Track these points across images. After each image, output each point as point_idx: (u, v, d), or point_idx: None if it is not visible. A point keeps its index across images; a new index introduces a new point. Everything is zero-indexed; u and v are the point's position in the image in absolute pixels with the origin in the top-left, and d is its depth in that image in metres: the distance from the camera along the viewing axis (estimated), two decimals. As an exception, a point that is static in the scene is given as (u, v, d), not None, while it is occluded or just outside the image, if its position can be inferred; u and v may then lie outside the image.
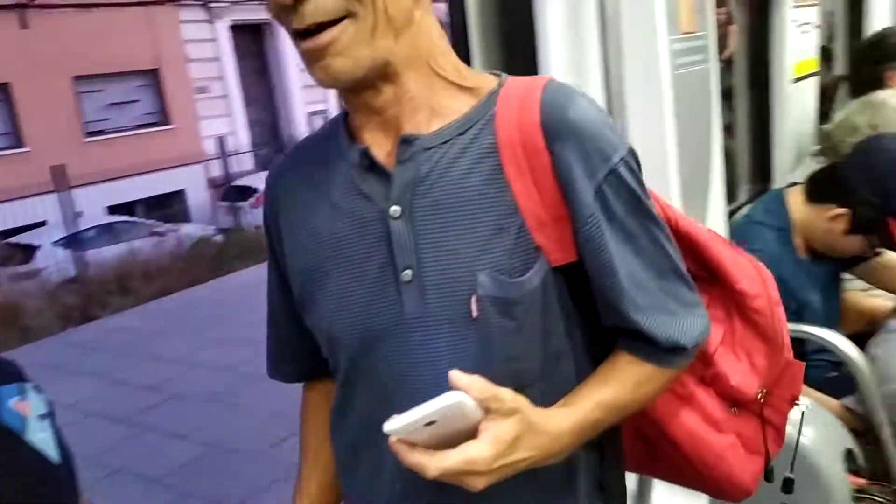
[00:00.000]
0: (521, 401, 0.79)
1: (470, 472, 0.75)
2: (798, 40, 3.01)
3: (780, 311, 1.06)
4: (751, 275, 1.03)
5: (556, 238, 0.84)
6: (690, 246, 1.00)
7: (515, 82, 0.89)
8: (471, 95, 0.88)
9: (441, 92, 0.87)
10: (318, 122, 16.46)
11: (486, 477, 0.76)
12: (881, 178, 1.80)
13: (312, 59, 0.82)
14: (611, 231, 0.84)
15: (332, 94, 17.12)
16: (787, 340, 1.07)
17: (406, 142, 0.86)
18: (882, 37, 2.96)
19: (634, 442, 1.05)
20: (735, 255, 1.04)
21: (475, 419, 0.75)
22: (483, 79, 0.91)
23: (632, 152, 0.87)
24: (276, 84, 16.78)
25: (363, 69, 0.82)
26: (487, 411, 0.76)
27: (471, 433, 0.75)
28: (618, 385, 0.88)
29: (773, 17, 2.85)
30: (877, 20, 4.32)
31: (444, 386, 0.76)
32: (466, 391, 0.74)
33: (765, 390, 1.04)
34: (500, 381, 0.79)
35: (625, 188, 0.85)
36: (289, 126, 16.78)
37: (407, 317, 0.86)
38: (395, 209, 0.86)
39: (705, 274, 1.04)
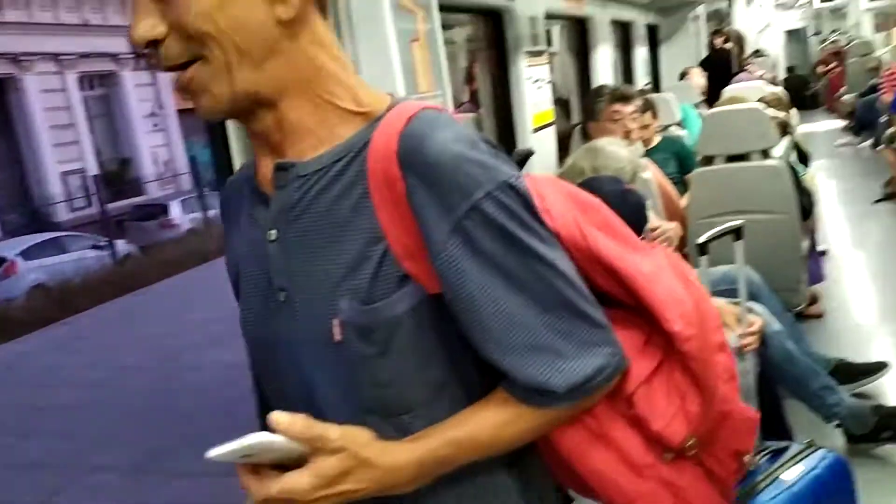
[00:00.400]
0: (351, 438, 0.80)
1: (289, 500, 0.78)
2: (535, 94, 3.35)
3: (722, 359, 0.96)
4: (689, 315, 0.92)
5: (426, 267, 0.83)
6: (618, 279, 0.93)
7: (400, 107, 0.86)
8: (362, 120, 0.87)
9: (332, 118, 0.86)
10: (76, 182, 15.41)
11: None
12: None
13: (184, 96, 0.83)
14: (476, 266, 0.81)
15: (88, 152, 15.96)
16: (727, 390, 0.97)
17: (282, 168, 0.88)
18: (587, 98, 3.36)
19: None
20: (676, 291, 0.94)
21: (300, 450, 0.78)
22: (380, 102, 0.88)
23: (508, 186, 0.81)
24: (23, 142, 15.28)
25: (225, 104, 0.83)
26: (313, 448, 0.79)
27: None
28: (480, 422, 0.86)
29: (511, 74, 3.15)
30: (601, 75, 4.92)
31: (316, 406, 0.86)
32: (285, 433, 0.77)
33: (695, 440, 0.94)
34: (368, 405, 0.86)
35: (492, 224, 0.80)
36: (39, 187, 15.29)
37: (282, 337, 0.91)
38: (271, 233, 0.89)
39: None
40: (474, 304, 0.82)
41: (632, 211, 1.96)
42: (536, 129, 3.33)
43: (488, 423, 0.85)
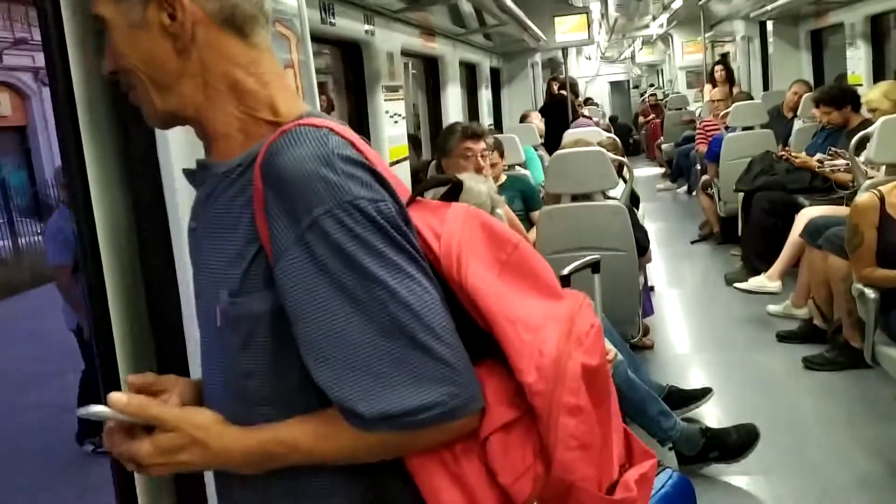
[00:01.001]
0: (187, 419, 0.90)
1: (135, 461, 0.90)
2: (392, 129, 3.39)
3: (571, 424, 0.90)
4: (545, 370, 0.88)
5: None
6: (483, 319, 0.91)
7: (297, 120, 0.92)
8: (274, 129, 0.92)
9: (249, 126, 0.94)
10: None
11: (147, 468, 0.90)
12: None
13: None
14: (313, 280, 0.84)
15: None
16: (569, 459, 0.91)
17: (201, 167, 0.99)
18: (440, 134, 3.46)
19: None
20: (544, 343, 0.90)
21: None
22: (294, 113, 0.95)
23: (352, 206, 0.83)
24: None
25: (158, 121, 0.98)
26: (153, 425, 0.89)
27: None
28: (304, 430, 0.89)
29: (369, 108, 3.17)
30: (452, 111, 5.07)
31: (208, 389, 0.99)
32: (122, 411, 0.88)
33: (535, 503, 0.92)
34: (234, 393, 0.93)
35: (330, 242, 0.83)
36: None
37: (200, 322, 1.00)
38: (191, 224, 1.00)
39: None
40: (302, 314, 0.85)
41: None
42: (392, 164, 3.36)
43: (310, 432, 0.89)
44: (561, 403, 0.89)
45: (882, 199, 2.88)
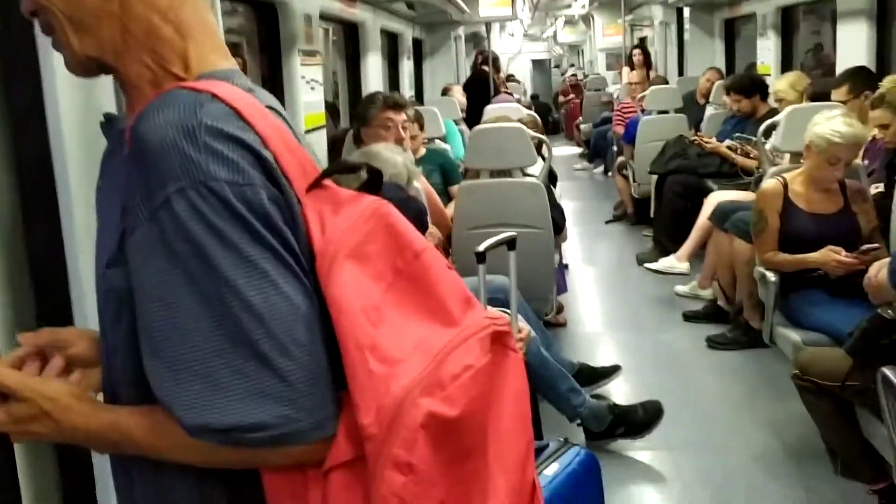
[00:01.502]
0: (39, 391, 0.84)
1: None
2: (308, 95, 3.28)
3: (396, 481, 0.76)
4: (384, 412, 0.76)
5: None
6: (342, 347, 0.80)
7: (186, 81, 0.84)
8: None
9: (162, 81, 0.85)
10: None
11: (10, 436, 0.88)
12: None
13: None
14: (165, 265, 0.75)
15: None
16: None
17: (107, 121, 0.92)
18: (359, 103, 3.37)
19: None
20: (394, 381, 0.77)
21: None
22: (201, 70, 0.86)
23: (206, 188, 0.74)
24: None
25: (77, 67, 0.88)
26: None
27: None
28: (144, 422, 0.81)
29: (284, 73, 3.05)
30: (372, 81, 4.96)
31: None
32: None
33: None
34: (107, 369, 0.88)
35: (179, 226, 0.74)
36: None
37: None
38: (98, 181, 0.93)
39: None
40: (145, 297, 0.77)
41: (414, 217, 1.98)
42: (308, 131, 3.26)
43: (147, 425, 0.81)
44: (389, 455, 0.76)
45: (786, 186, 2.98)
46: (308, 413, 0.77)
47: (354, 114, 3.36)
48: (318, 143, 3.41)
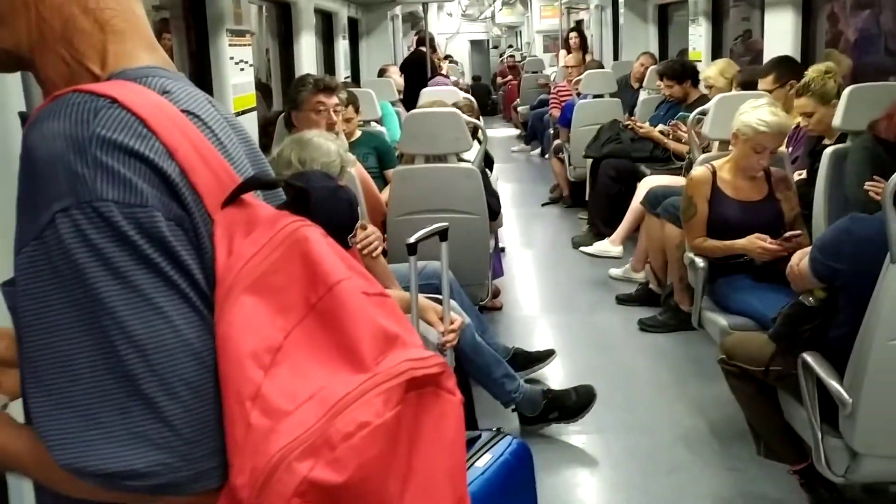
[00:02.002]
0: None
1: None
2: (237, 76, 3.18)
3: None
4: (257, 474, 0.67)
5: None
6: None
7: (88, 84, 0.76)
8: None
9: (79, 79, 0.77)
10: None
11: None
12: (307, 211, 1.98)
13: None
14: (49, 288, 0.68)
15: None
16: None
17: (24, 121, 0.78)
18: (290, 85, 3.29)
19: None
20: (273, 440, 0.67)
21: None
22: (117, 68, 0.78)
23: (91, 209, 0.67)
24: None
25: None
26: None
27: None
28: (30, 447, 0.73)
29: (211, 54, 2.95)
30: (305, 62, 4.85)
31: None
32: None
33: None
34: (22, 378, 0.74)
35: (65, 248, 0.67)
36: None
37: None
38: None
39: None
40: (28, 321, 0.69)
41: (344, 208, 1.94)
42: (238, 114, 3.16)
43: (36, 452, 0.72)
44: None
45: (714, 173, 3.04)
46: (191, 463, 0.69)
47: (287, 98, 3.27)
48: (249, 127, 3.31)
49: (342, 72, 6.29)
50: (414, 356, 0.73)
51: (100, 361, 0.67)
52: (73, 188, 0.67)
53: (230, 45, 3.01)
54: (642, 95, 6.32)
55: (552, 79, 9.64)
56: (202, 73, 2.94)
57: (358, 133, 4.02)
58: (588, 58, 8.12)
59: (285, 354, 0.70)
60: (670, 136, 5.14)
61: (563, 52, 8.87)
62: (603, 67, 7.29)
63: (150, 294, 0.68)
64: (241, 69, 3.18)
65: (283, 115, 3.40)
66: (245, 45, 3.22)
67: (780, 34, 4.41)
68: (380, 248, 2.63)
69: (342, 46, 6.35)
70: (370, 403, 0.69)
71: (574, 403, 2.96)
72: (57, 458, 0.68)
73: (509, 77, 13.86)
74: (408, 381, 0.71)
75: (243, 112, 3.19)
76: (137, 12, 0.83)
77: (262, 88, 4.81)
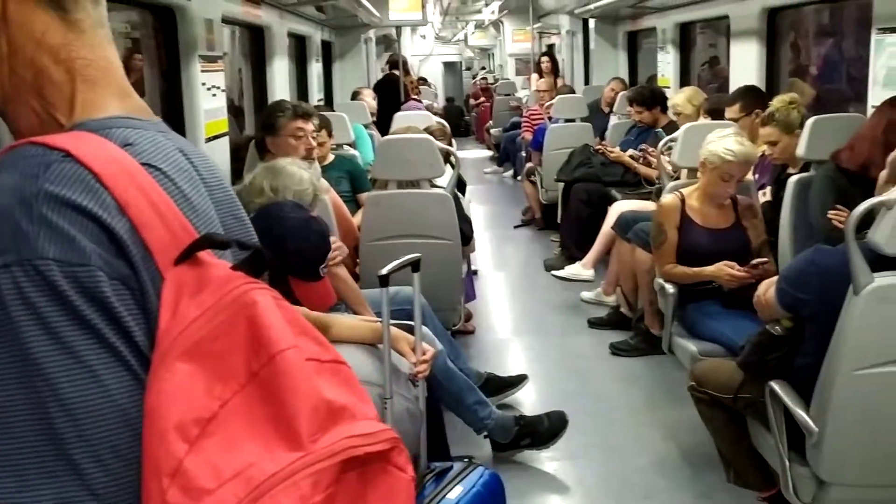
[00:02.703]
0: None
1: None
2: (209, 101, 3.17)
3: None
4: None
5: None
6: None
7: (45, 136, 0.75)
8: None
9: (47, 128, 0.77)
10: None
11: None
12: (280, 241, 1.99)
13: None
14: None
15: None
16: None
17: None
18: (266, 110, 3.29)
19: None
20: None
21: None
22: (82, 118, 0.77)
23: (31, 267, 0.66)
24: None
25: None
26: None
27: None
28: None
29: (183, 79, 2.93)
30: (278, 85, 4.85)
31: None
32: None
33: None
34: None
35: (4, 304, 0.66)
36: None
37: None
38: None
39: None
40: None
41: (317, 240, 1.94)
42: (210, 139, 3.15)
43: None
44: None
45: (683, 201, 3.08)
46: None
47: (261, 123, 3.26)
48: (221, 152, 3.30)
49: (315, 94, 6.30)
50: (359, 432, 0.70)
51: (33, 421, 0.65)
52: (16, 244, 0.66)
53: (202, 70, 3.00)
54: (613, 120, 6.41)
55: (524, 102, 9.73)
56: (173, 99, 2.93)
57: (331, 157, 4.03)
58: (560, 82, 8.22)
59: (219, 425, 0.67)
60: (641, 161, 5.21)
61: (534, 76, 8.97)
62: (574, 92, 7.39)
63: (84, 356, 0.66)
64: (214, 94, 3.17)
65: (254, 141, 3.40)
66: (217, 70, 3.21)
67: (744, 63, 4.51)
68: (339, 258, 2.63)
69: (315, 69, 6.36)
70: (297, 486, 0.65)
71: (546, 430, 2.97)
72: None
73: (482, 99, 13.96)
74: (348, 460, 0.68)
75: (215, 137, 3.18)
76: (111, 59, 0.82)
77: (234, 111, 4.80)
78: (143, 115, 0.82)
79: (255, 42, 4.70)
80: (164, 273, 0.71)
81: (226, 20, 3.56)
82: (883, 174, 2.09)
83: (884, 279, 1.80)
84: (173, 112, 2.94)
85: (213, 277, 0.71)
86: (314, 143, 3.22)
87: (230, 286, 0.71)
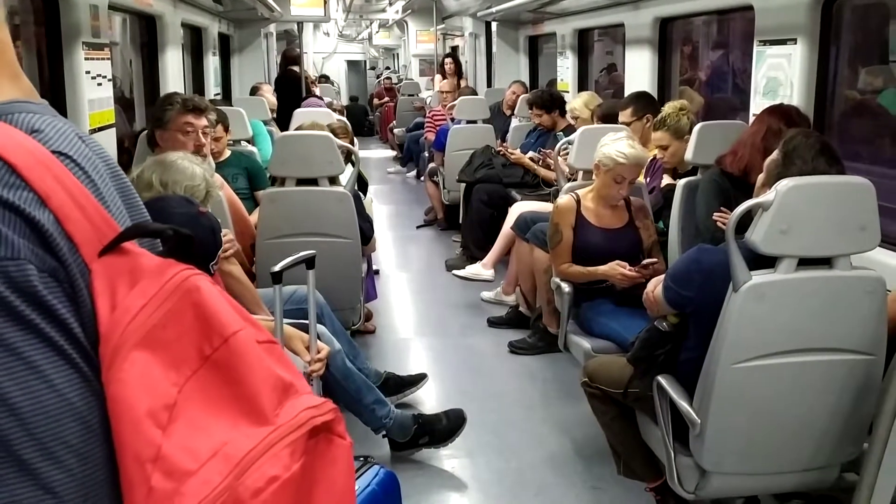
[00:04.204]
0: None
1: None
2: (94, 91, 3.01)
3: None
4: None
5: None
6: None
7: None
8: None
9: None
10: None
11: None
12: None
13: None
14: None
15: None
16: None
17: None
18: (157, 102, 3.16)
19: None
20: (175, 496, 0.66)
21: None
22: None
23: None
24: None
25: None
26: None
27: None
28: None
29: (66, 67, 2.78)
30: (171, 77, 4.67)
31: None
32: None
33: None
34: None
35: None
36: None
37: None
38: None
39: None
40: None
41: (206, 235, 1.87)
42: (94, 130, 3.00)
43: None
44: None
45: (578, 201, 3.16)
46: None
47: (151, 115, 3.12)
48: (107, 144, 3.14)
49: (212, 88, 6.11)
50: (310, 404, 0.72)
51: None
52: None
53: (87, 58, 2.85)
54: (514, 122, 6.51)
55: (428, 102, 9.76)
56: (55, 88, 2.77)
57: (227, 153, 3.91)
58: (463, 83, 8.29)
59: (180, 410, 0.67)
60: (540, 163, 5.32)
61: (438, 77, 9.01)
62: (476, 94, 7.47)
63: (26, 353, 0.63)
64: (99, 84, 3.01)
65: (144, 133, 3.25)
66: (104, 58, 3.06)
67: (639, 70, 4.68)
68: (231, 252, 2.57)
69: (212, 63, 6.16)
70: (278, 457, 0.68)
71: (444, 428, 2.98)
72: None
73: (386, 98, 13.91)
74: (310, 430, 0.70)
75: (101, 129, 3.02)
76: (4, 39, 0.75)
77: (124, 103, 4.59)
78: (35, 98, 0.76)
79: (148, 32, 4.51)
80: (89, 264, 0.68)
81: (114, 7, 3.39)
82: (760, 178, 2.20)
83: (760, 277, 1.90)
84: (55, 101, 2.78)
85: (146, 266, 0.70)
86: (204, 140, 3.11)
87: (169, 274, 0.70)
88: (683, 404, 2.05)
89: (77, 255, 0.67)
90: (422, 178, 8.49)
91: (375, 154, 12.23)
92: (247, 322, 0.73)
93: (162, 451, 0.65)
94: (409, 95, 11.73)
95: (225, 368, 0.70)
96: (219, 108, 3.94)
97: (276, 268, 1.90)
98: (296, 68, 7.74)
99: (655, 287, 2.23)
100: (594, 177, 3.19)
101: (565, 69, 6.36)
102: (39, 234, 0.65)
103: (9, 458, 0.62)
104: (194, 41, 5.91)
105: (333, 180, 3.45)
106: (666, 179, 3.59)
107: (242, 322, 0.72)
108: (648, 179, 3.70)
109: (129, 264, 0.70)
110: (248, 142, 4.63)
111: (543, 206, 4.52)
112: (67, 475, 0.64)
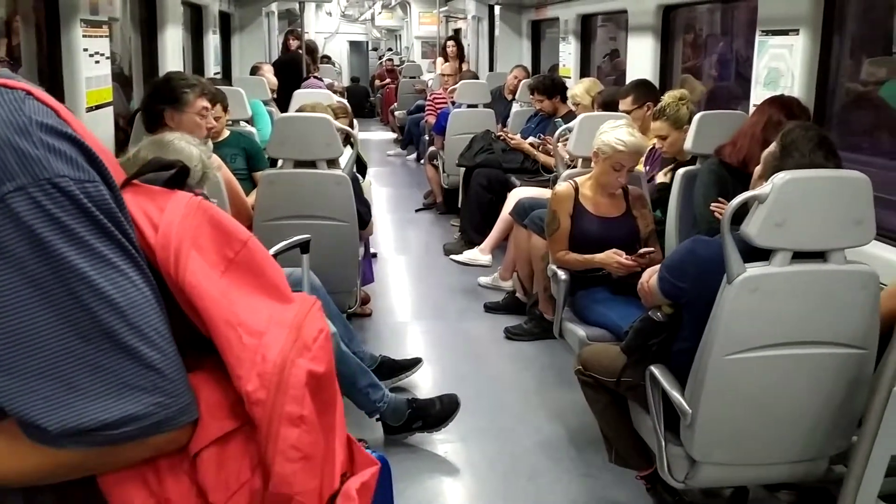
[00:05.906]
0: None
1: None
2: (91, 69, 2.99)
3: (293, 435, 0.83)
4: (267, 377, 0.81)
5: None
6: (201, 322, 0.84)
7: None
8: None
9: None
10: None
11: None
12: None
13: None
14: (2, 272, 0.71)
15: None
16: (290, 472, 0.85)
17: None
18: (166, 80, 3.14)
19: None
20: (267, 350, 0.83)
21: None
22: None
23: (51, 185, 0.71)
24: None
25: None
26: None
27: None
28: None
29: (63, 44, 2.76)
30: (171, 55, 4.65)
31: None
32: None
33: None
34: None
35: (21, 226, 0.70)
36: None
37: None
38: None
39: None
40: None
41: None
42: (91, 108, 2.98)
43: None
44: (283, 413, 0.83)
45: (577, 189, 3.16)
46: (177, 398, 0.79)
47: (157, 93, 3.07)
48: (104, 122, 3.13)
49: (212, 67, 6.08)
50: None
51: (68, 330, 0.72)
52: (27, 168, 0.71)
53: (84, 35, 2.83)
54: (515, 107, 6.49)
55: (429, 85, 9.72)
56: (53, 65, 2.75)
57: (226, 133, 3.90)
58: (464, 67, 8.25)
59: (230, 295, 0.85)
60: (540, 149, 5.30)
61: (440, 60, 8.96)
62: (478, 78, 7.43)
63: (113, 259, 0.75)
64: (97, 62, 3.00)
65: (139, 112, 3.24)
66: (102, 35, 3.04)
67: (640, 58, 4.65)
68: None
69: (212, 41, 6.13)
70: (317, 316, 0.91)
71: (438, 412, 2.99)
72: (49, 424, 0.72)
73: (387, 80, 13.84)
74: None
75: (98, 107, 3.01)
76: None
77: (123, 80, 4.56)
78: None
79: (147, 8, 4.48)
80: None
81: (113, -17, 3.36)
82: (757, 169, 2.20)
83: (754, 270, 1.90)
84: (52, 80, 2.76)
85: (157, 192, 0.85)
86: (213, 124, 3.14)
87: (181, 197, 0.85)
88: (675, 394, 2.06)
89: (112, 182, 0.79)
90: (422, 162, 8.47)
91: (376, 136, 12.20)
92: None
93: (240, 319, 0.84)
94: (411, 78, 11.67)
95: (248, 265, 0.89)
96: (218, 87, 3.92)
97: (271, 252, 1.89)
98: (299, 49, 7.69)
99: (650, 277, 2.24)
100: (593, 164, 3.18)
101: (567, 55, 6.32)
102: (95, 163, 0.76)
103: (115, 346, 0.74)
104: (195, 19, 5.87)
105: (332, 163, 3.44)
106: (660, 178, 3.58)
107: (249, 232, 0.90)
108: (648, 168, 3.70)
109: (146, 193, 0.84)
110: (248, 122, 4.61)
111: (542, 193, 4.51)
112: (161, 353, 0.77)
